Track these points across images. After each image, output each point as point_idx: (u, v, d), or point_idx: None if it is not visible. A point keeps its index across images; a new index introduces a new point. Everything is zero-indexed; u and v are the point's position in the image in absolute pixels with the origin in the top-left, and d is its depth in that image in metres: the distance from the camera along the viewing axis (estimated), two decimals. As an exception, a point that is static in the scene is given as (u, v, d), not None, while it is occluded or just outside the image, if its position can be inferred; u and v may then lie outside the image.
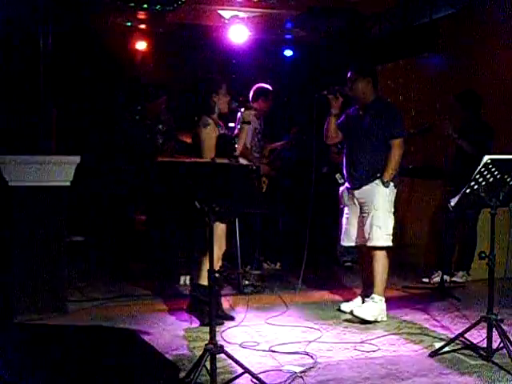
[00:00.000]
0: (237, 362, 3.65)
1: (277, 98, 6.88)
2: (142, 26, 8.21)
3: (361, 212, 5.06)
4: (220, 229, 4.80)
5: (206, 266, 4.71)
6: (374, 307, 4.92)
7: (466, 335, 4.21)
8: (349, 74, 5.08)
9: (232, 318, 4.95)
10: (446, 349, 4.17)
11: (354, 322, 4.88)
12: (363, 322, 4.86)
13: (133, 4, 6.80)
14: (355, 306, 5.10)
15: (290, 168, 7.58)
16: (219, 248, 4.79)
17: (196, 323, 4.81)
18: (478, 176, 3.87)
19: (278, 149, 7.03)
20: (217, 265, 4.73)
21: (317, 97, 4.94)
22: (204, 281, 4.75)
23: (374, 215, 4.96)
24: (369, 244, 5.01)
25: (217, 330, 3.71)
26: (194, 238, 7.06)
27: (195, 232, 6.86)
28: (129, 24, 7.98)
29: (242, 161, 5.33)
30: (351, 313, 5.01)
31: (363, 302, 5.10)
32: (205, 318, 4.70)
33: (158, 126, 6.94)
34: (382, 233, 4.96)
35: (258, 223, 6.53)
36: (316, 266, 6.72)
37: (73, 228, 6.18)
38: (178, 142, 6.79)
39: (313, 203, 4.99)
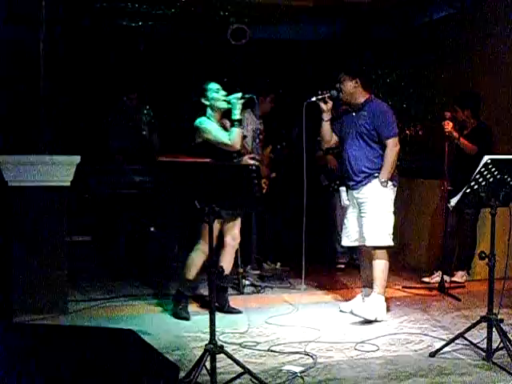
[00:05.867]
0: (237, 362, 3.66)
1: (277, 99, 6.87)
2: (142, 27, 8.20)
3: (360, 212, 5.06)
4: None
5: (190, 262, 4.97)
6: (374, 306, 4.92)
7: (466, 335, 4.21)
8: (338, 77, 5.09)
9: (239, 312, 5.09)
10: (446, 349, 4.17)
11: (354, 322, 4.89)
12: (363, 321, 4.87)
13: (131, 6, 6.82)
14: (355, 305, 5.10)
15: (290, 169, 7.58)
16: (204, 244, 4.87)
17: (197, 322, 4.82)
18: (478, 176, 3.87)
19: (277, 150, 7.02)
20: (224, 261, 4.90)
21: (306, 104, 4.91)
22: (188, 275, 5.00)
23: (373, 215, 4.96)
24: (368, 244, 5.01)
25: (217, 329, 3.70)
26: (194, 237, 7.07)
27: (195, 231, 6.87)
28: (129, 24, 7.97)
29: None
30: (351, 312, 5.02)
31: (363, 302, 5.11)
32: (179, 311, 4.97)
33: (141, 118, 7.02)
34: (381, 232, 4.96)
35: (256, 223, 6.53)
36: (316, 267, 6.72)
37: (76, 228, 6.21)
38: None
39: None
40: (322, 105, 5.04)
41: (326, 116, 5.12)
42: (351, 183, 5.08)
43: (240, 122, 4.94)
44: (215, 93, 4.94)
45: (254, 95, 5.03)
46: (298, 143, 7.14)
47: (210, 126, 4.93)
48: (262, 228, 6.67)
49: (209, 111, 4.98)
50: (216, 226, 4.94)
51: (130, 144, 6.93)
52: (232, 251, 5.16)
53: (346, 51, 8.44)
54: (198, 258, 4.93)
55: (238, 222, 5.16)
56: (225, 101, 4.92)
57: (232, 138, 4.88)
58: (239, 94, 4.91)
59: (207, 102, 4.96)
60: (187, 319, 4.91)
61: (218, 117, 5.01)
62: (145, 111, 7.10)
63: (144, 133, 7.05)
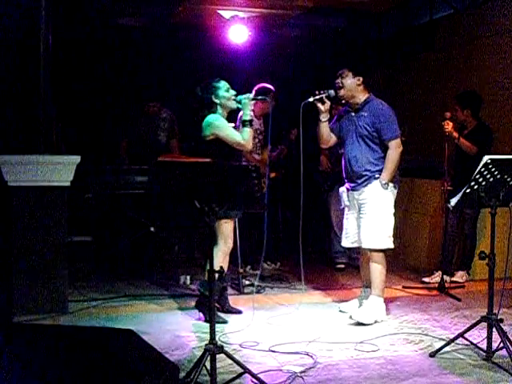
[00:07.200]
0: (237, 362, 3.66)
1: (278, 99, 6.87)
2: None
3: (360, 213, 5.05)
4: (226, 226, 4.85)
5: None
6: (372, 310, 4.90)
7: (466, 335, 4.21)
8: (339, 72, 5.03)
9: (239, 312, 5.09)
10: (446, 349, 4.17)
11: (353, 322, 4.87)
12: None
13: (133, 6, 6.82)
14: (353, 307, 5.09)
15: (290, 169, 7.58)
16: (224, 244, 4.83)
17: (197, 322, 4.83)
18: (478, 176, 3.87)
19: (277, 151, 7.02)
20: (224, 261, 4.79)
21: (303, 105, 4.82)
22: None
23: (372, 216, 4.93)
24: (365, 246, 4.99)
25: (217, 329, 3.70)
26: (194, 237, 7.07)
27: (195, 232, 6.87)
28: (132, 25, 7.98)
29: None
30: (350, 317, 4.97)
31: (360, 303, 5.10)
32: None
33: (159, 124, 6.89)
34: (379, 235, 4.92)
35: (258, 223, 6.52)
36: (315, 267, 6.73)
37: (77, 228, 6.20)
38: (184, 141, 6.77)
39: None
40: (320, 105, 4.97)
41: (324, 117, 5.07)
42: (352, 185, 5.05)
43: (251, 122, 4.90)
44: (226, 92, 4.90)
45: (266, 97, 5.10)
46: (297, 143, 7.16)
47: (224, 123, 4.87)
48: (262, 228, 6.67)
49: (219, 109, 4.90)
50: (232, 225, 4.95)
51: (141, 147, 6.83)
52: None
53: (346, 51, 8.45)
54: (217, 259, 4.76)
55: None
56: (234, 100, 4.91)
57: (245, 137, 4.84)
58: (250, 95, 4.93)
59: (217, 101, 4.88)
60: (224, 322, 4.85)
61: (225, 116, 4.96)
62: (164, 116, 6.94)
63: (159, 138, 6.92)
